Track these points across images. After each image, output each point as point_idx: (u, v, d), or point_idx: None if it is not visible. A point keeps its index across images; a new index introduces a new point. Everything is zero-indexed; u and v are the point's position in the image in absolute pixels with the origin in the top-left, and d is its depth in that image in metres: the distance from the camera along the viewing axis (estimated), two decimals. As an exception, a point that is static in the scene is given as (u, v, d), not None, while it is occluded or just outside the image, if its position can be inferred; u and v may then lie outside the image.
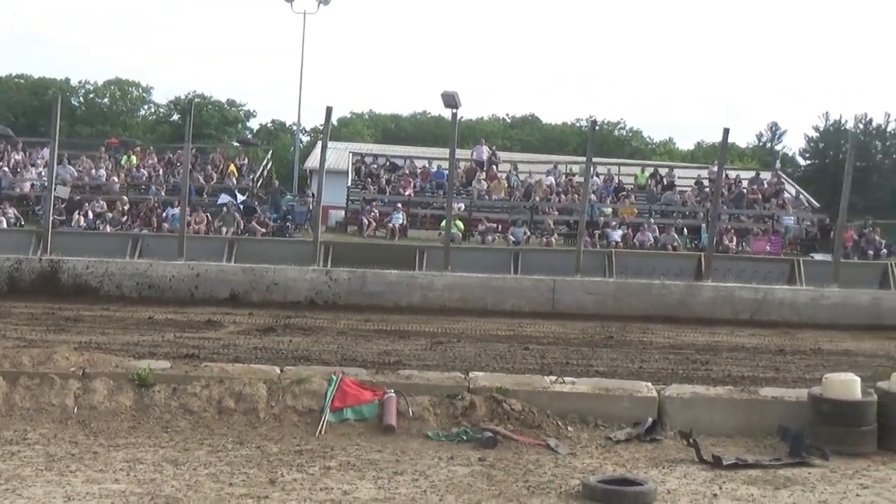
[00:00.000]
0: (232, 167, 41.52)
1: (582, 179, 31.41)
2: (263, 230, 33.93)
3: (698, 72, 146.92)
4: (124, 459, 8.85)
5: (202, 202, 35.79)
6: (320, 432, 10.07)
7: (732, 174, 47.04)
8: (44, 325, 16.29)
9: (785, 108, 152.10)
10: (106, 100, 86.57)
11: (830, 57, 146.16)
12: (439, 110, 55.49)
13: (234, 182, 39.81)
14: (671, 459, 9.71)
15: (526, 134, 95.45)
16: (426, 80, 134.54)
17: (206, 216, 33.24)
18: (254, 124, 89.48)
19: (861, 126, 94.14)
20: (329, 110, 22.07)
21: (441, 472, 8.87)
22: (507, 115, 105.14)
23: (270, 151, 52.88)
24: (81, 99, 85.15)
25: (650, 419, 10.73)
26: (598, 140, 54.27)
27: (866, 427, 10.46)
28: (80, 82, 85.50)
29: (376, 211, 37.99)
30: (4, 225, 31.31)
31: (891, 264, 26.94)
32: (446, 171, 31.54)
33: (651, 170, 47.86)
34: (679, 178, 46.69)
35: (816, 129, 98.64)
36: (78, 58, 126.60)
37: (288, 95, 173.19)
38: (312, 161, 50.62)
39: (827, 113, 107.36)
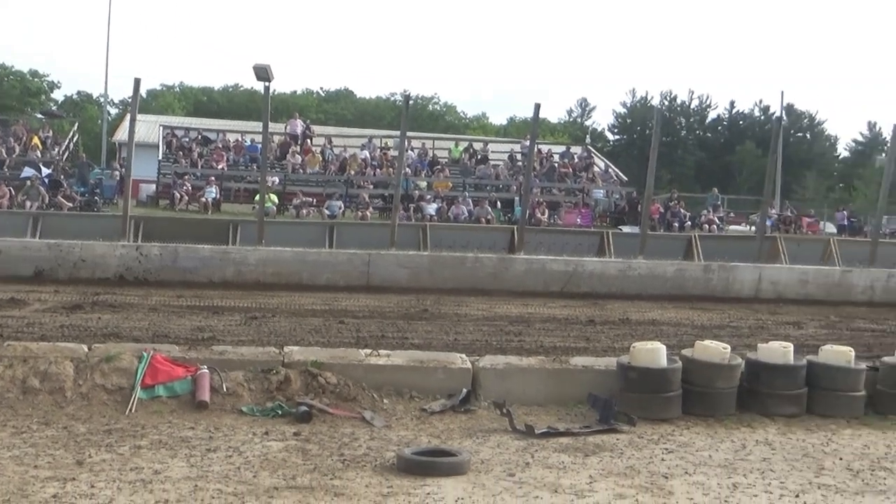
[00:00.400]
0: (35, 140, 40.20)
1: (396, 153, 31.46)
2: (70, 205, 32.95)
3: (510, 48, 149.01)
4: (-79, 444, 8.46)
5: (4, 175, 34.52)
6: (131, 410, 9.81)
7: (544, 148, 48.06)
8: None
9: (594, 85, 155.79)
10: None
11: (637, 35, 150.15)
12: (252, 83, 54.85)
13: (39, 155, 38.52)
14: (485, 429, 9.83)
15: (340, 108, 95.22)
16: (238, 53, 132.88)
17: (9, 190, 32.08)
18: (58, 95, 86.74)
19: (666, 103, 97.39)
20: (137, 82, 21.45)
21: (255, 447, 8.77)
22: (321, 88, 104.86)
23: (76, 124, 51.36)
24: None
25: (464, 390, 10.84)
26: (413, 114, 54.50)
27: (671, 393, 10.81)
28: None
29: (188, 185, 37.32)
30: None
31: (694, 236, 27.91)
32: (260, 145, 31.16)
33: (465, 144, 48.40)
34: (492, 152, 47.38)
35: (624, 105, 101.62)
36: None
37: (94, 66, 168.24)
38: (121, 134, 49.50)
39: (634, 90, 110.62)
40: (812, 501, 8.02)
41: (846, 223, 46.29)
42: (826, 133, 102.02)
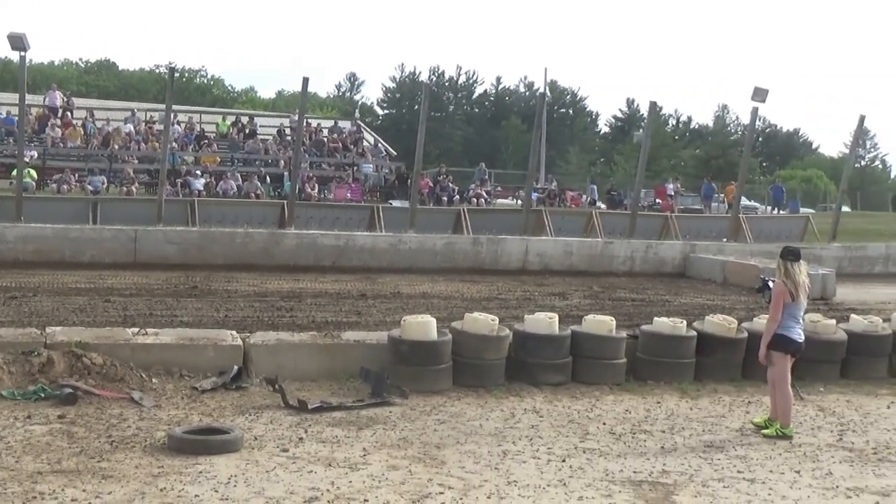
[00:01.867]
0: None
1: (162, 127, 30.73)
2: None
3: (279, 19, 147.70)
4: None
5: None
6: None
7: (314, 123, 47.76)
8: None
9: (363, 60, 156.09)
10: None
11: (406, 10, 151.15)
12: (6, 53, 52.45)
13: None
14: (258, 406, 9.79)
15: (102, 80, 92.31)
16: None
17: None
18: None
19: (434, 78, 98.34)
20: None
21: (17, 432, 8.46)
22: (81, 59, 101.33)
23: None
24: None
25: (236, 367, 10.75)
26: (179, 87, 53.43)
27: (442, 365, 11.02)
28: None
29: (-64, 158, 35.51)
30: None
31: (463, 210, 28.40)
32: (16, 118, 29.89)
33: (233, 118, 47.69)
34: (261, 126, 46.85)
35: (393, 79, 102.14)
36: None
37: None
38: None
39: (402, 64, 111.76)
40: (578, 465, 8.32)
41: (596, 196, 47.71)
42: (588, 109, 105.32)
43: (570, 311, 15.17)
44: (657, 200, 45.88)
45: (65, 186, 34.17)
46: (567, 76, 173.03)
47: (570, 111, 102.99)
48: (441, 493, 7.42)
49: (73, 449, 8.05)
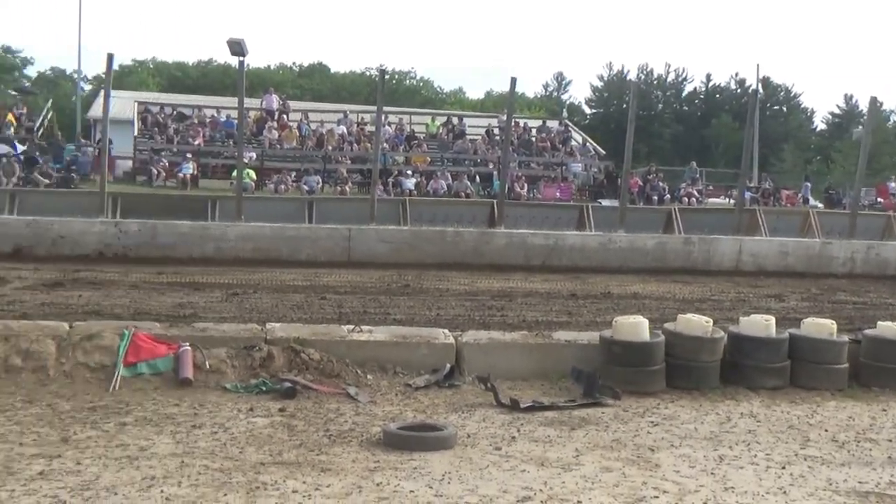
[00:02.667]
0: (10, 117, 39.85)
1: (374, 128, 31.34)
2: (47, 181, 32.68)
3: (486, 20, 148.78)
4: None
5: (-22, 153, 34.22)
6: (114, 388, 9.77)
7: (521, 123, 47.89)
8: None
9: (570, 59, 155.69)
10: None
11: (613, 9, 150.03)
12: (226, 58, 54.39)
13: (13, 132, 38.21)
14: (470, 404, 9.84)
15: (315, 83, 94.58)
16: (211, 27, 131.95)
17: (-15, 168, 31.80)
18: (31, 72, 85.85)
19: (643, 76, 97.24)
20: (110, 57, 21.26)
21: (241, 424, 8.74)
22: (296, 63, 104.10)
23: (50, 100, 50.93)
24: None
25: (448, 365, 10.85)
26: (389, 89, 54.36)
27: (655, 367, 10.84)
28: None
29: (165, 161, 37.11)
30: None
31: (674, 209, 27.95)
32: (235, 121, 31.00)
33: (442, 118, 48.23)
34: (469, 126, 47.24)
35: (601, 78, 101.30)
36: None
37: (68, 42, 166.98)
38: (95, 110, 48.95)
39: (610, 63, 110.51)
40: (798, 473, 8.04)
41: (809, 195, 46.20)
42: (802, 106, 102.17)
43: (787, 313, 14.75)
44: (879, 199, 44.24)
45: (282, 186, 35.27)
46: (780, 72, 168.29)
47: (784, 108, 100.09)
48: (656, 496, 7.30)
49: (294, 441, 8.26)
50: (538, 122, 50.45)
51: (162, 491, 6.85)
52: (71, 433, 8.23)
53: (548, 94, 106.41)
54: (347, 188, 36.01)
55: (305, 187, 35.43)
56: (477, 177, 39.97)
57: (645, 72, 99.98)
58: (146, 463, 7.49)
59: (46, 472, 7.20)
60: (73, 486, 6.90)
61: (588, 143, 50.78)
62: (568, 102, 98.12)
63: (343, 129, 42.87)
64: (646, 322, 11.19)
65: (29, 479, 7.02)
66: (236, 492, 6.91)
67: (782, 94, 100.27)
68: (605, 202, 33.92)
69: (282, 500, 6.77)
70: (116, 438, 8.12)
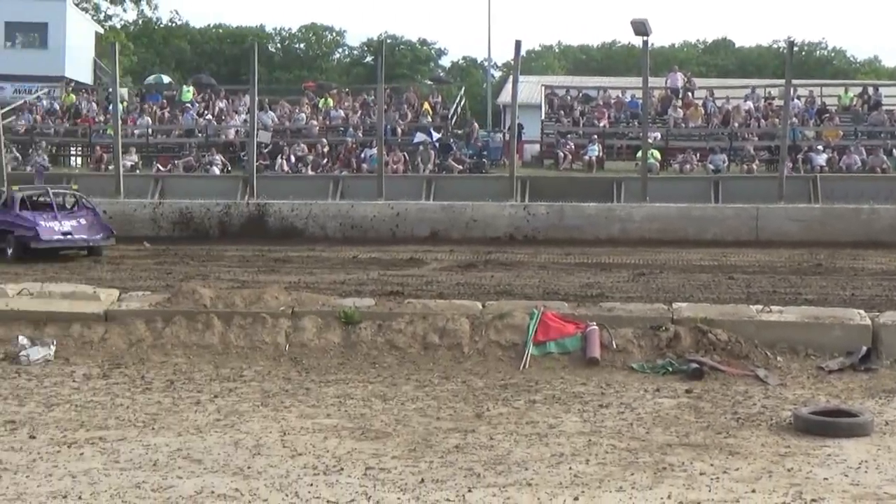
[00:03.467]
0: (426, 105, 41.78)
1: (781, 103, 30.41)
2: (460, 167, 34.05)
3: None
4: (335, 395, 9.05)
5: (398, 141, 36.13)
6: (524, 366, 10.09)
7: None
8: (254, 266, 16.85)
9: None
10: (301, 45, 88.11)
11: None
12: (629, 38, 54.42)
13: (429, 120, 40.08)
14: (888, 390, 9.35)
15: (720, 59, 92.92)
16: (614, 9, 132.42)
17: (403, 155, 33.53)
18: (445, 62, 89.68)
19: None
20: (518, 44, 21.94)
21: (647, 404, 8.78)
22: (699, 40, 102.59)
23: (463, 88, 52.96)
24: (278, 45, 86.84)
25: (864, 348, 10.36)
26: (798, 61, 52.53)
27: None
28: (275, 29, 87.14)
29: (571, 144, 37.67)
30: (216, 172, 32.05)
31: None
32: (640, 101, 31.00)
33: (857, 89, 45.99)
34: (886, 97, 44.72)
35: None
36: (272, 4, 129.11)
37: (478, 31, 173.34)
38: (505, 96, 50.47)
39: None
40: None
41: None
42: None
43: None
44: None
45: (687, 166, 34.92)
46: None
47: None
48: None
49: (700, 423, 8.19)
50: None
51: (570, 468, 6.99)
52: (484, 409, 8.58)
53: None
54: (754, 166, 35.11)
55: (711, 166, 34.85)
56: (894, 150, 37.86)
57: None
58: (555, 440, 7.68)
59: (461, 445, 7.54)
60: (486, 459, 7.18)
61: None
62: None
63: (750, 104, 41.78)
64: None
65: (446, 451, 7.38)
66: (643, 472, 6.94)
67: None
68: None
69: (689, 482, 6.73)
70: (526, 415, 8.38)
